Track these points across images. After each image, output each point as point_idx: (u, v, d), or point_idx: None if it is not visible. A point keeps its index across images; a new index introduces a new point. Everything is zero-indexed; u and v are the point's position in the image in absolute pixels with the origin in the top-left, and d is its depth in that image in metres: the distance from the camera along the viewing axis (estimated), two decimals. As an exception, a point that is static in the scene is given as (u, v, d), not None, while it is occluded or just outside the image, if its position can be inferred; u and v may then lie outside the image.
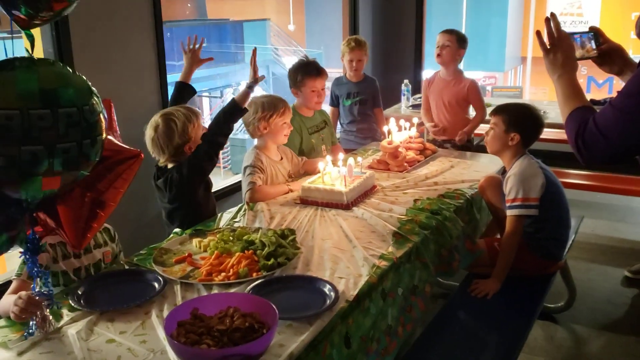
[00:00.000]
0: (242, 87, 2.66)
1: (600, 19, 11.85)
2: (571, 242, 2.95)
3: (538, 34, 1.76)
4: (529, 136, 2.69)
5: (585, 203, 4.79)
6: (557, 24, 1.71)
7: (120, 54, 3.16)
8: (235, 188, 4.18)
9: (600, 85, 11.87)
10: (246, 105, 2.57)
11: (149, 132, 2.49)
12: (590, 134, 1.49)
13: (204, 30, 12.92)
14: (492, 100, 4.82)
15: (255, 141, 2.94)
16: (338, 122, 4.24)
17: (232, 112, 2.50)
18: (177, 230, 2.33)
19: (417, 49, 6.01)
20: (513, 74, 13.93)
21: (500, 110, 2.74)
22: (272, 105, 2.80)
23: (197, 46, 2.84)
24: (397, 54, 6.01)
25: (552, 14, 1.73)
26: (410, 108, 4.95)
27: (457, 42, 3.88)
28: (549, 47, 1.71)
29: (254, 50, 2.57)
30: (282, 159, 2.94)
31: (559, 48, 1.69)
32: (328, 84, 3.55)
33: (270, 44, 13.71)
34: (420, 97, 5.27)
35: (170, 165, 2.51)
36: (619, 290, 3.51)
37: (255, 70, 2.56)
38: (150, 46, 3.33)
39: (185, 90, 2.85)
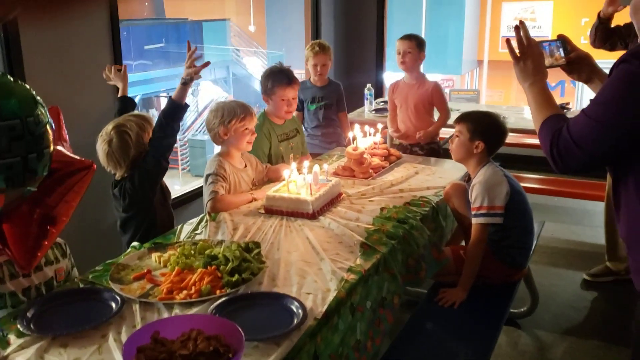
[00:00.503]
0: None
1: (552, 24, 12.13)
2: (533, 247, 2.95)
3: (508, 42, 1.73)
4: (494, 144, 2.68)
5: (543, 206, 4.85)
6: (527, 32, 1.69)
7: (74, 56, 3.01)
8: (196, 194, 4.07)
9: (553, 88, 12.17)
10: (209, 110, 2.50)
11: (102, 147, 2.40)
12: (564, 142, 1.48)
13: (161, 30, 12.66)
14: (451, 104, 4.83)
15: (219, 148, 2.85)
16: (303, 127, 4.17)
17: (172, 111, 2.41)
18: (135, 243, 2.22)
19: (379, 52, 6.00)
20: (470, 77, 14.13)
21: (464, 118, 2.72)
22: (232, 110, 2.72)
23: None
24: (359, 57, 5.99)
25: (522, 22, 1.71)
26: (374, 112, 4.92)
27: (417, 47, 3.90)
28: (519, 55, 1.69)
29: (188, 43, 2.45)
30: (246, 166, 2.87)
31: (529, 56, 1.67)
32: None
33: (230, 44, 13.54)
34: (383, 102, 5.30)
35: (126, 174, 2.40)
36: (579, 294, 3.55)
37: (190, 65, 2.44)
38: (106, 46, 3.19)
39: (129, 103, 2.83)
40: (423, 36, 4.06)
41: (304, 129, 4.18)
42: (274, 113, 3.25)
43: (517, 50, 1.69)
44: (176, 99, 2.42)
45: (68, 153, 1.61)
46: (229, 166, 2.74)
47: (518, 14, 12.42)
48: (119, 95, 2.88)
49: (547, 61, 1.75)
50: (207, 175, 2.68)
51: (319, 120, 4.04)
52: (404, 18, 11.46)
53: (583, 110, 1.48)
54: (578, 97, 11.38)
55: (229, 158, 2.78)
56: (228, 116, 2.70)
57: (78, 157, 1.61)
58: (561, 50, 1.78)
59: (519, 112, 5.08)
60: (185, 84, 2.42)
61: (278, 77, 3.20)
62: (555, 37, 1.80)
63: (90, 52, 3.10)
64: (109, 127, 2.42)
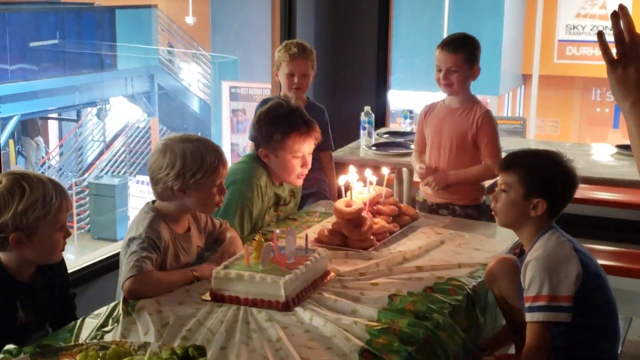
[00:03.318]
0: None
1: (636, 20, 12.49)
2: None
3: (600, 36, 1.72)
4: (560, 202, 2.68)
5: (627, 294, 4.85)
6: (630, 22, 1.67)
7: None
8: (102, 269, 4.01)
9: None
10: (156, 149, 2.60)
11: None
12: None
13: (54, 19, 12.69)
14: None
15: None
16: None
17: None
18: (10, 346, 2.17)
19: (381, 61, 6.10)
20: (511, 99, 14.37)
21: (513, 162, 2.73)
22: (199, 158, 2.70)
23: None
24: (352, 68, 6.06)
25: (622, 6, 1.68)
26: (374, 149, 4.94)
27: (467, 62, 3.89)
28: (617, 57, 1.69)
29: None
30: (189, 229, 2.86)
31: (633, 59, 1.67)
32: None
33: (157, 43, 13.63)
34: (387, 133, 5.33)
35: None
36: None
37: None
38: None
39: None
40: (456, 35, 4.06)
41: None
42: (277, 173, 3.36)
43: (614, 51, 1.69)
44: None
45: None
46: (166, 231, 2.72)
47: (582, 8, 12.74)
48: None
49: None
50: (131, 240, 2.65)
51: None
52: (417, 14, 11.68)
53: None
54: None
55: (170, 220, 2.77)
56: (193, 166, 2.69)
57: None
58: None
59: (585, 152, 5.16)
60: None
61: (290, 122, 3.29)
62: None
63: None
64: None
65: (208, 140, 2.86)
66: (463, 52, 3.89)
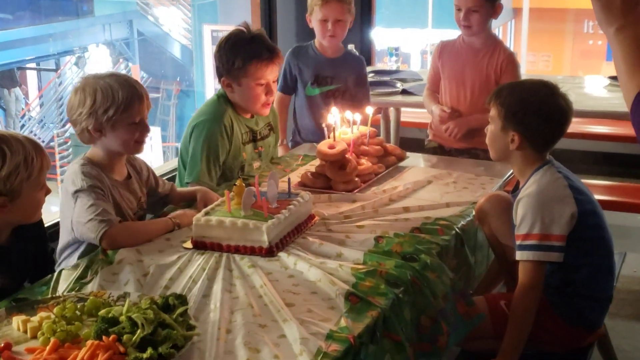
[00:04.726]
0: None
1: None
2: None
3: None
4: (538, 137, 2.65)
5: (621, 229, 4.87)
6: None
7: None
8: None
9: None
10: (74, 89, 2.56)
11: None
12: None
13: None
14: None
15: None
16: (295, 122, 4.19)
17: None
18: (-16, 302, 2.15)
19: (365, -3, 6.02)
20: (502, 34, 14.31)
21: (495, 95, 2.74)
22: (109, 93, 2.63)
23: None
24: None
25: None
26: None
27: (488, 0, 3.83)
28: None
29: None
30: (130, 177, 2.82)
31: None
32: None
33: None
34: (372, 72, 5.28)
35: None
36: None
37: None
38: None
39: None
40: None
41: (296, 123, 4.15)
42: (242, 104, 3.31)
43: None
44: None
45: None
46: (103, 178, 2.67)
47: None
48: None
49: None
50: (76, 193, 2.59)
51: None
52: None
53: None
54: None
55: (105, 167, 2.71)
56: (103, 103, 2.63)
57: None
58: None
59: (578, 84, 5.13)
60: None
61: (251, 48, 3.22)
62: None
63: None
64: None
65: (124, 75, 2.80)
66: None
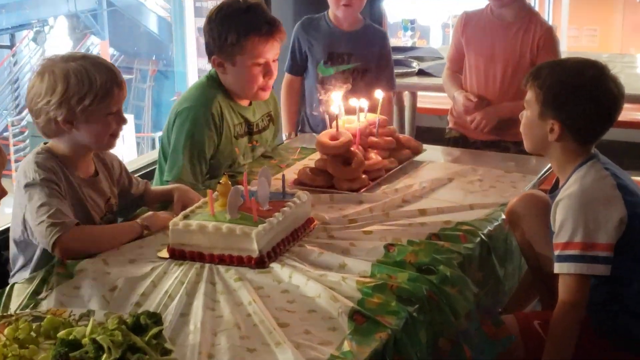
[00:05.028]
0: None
1: None
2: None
3: None
4: (582, 126, 2.65)
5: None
6: None
7: None
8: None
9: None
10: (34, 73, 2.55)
11: None
12: None
13: None
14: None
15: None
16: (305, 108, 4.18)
17: None
18: None
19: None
20: (538, 4, 14.32)
21: (533, 76, 2.72)
22: (84, 79, 2.62)
23: None
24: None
25: None
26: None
27: None
28: None
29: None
30: (97, 174, 2.83)
31: None
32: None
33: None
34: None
35: None
36: None
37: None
38: None
39: None
40: None
41: (305, 112, 4.14)
42: (235, 88, 3.31)
43: None
44: None
45: None
46: (61, 173, 2.66)
47: None
48: None
49: None
50: (28, 187, 2.59)
51: None
52: None
53: None
54: None
55: (67, 162, 2.71)
56: (78, 90, 2.62)
57: None
58: None
59: (629, 64, 5.13)
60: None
61: (248, 20, 3.23)
62: None
63: None
64: None
65: (98, 57, 2.81)
66: None
